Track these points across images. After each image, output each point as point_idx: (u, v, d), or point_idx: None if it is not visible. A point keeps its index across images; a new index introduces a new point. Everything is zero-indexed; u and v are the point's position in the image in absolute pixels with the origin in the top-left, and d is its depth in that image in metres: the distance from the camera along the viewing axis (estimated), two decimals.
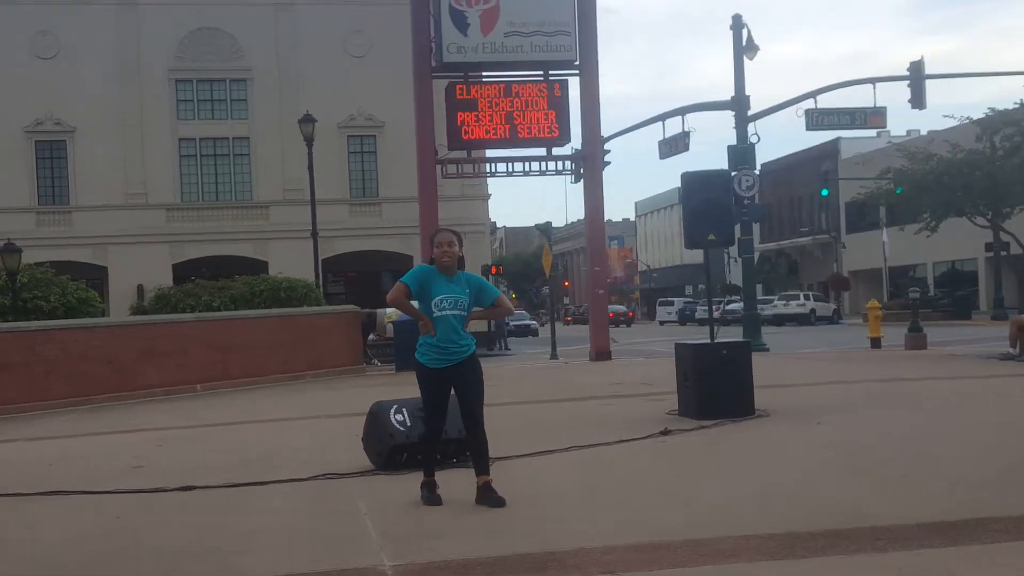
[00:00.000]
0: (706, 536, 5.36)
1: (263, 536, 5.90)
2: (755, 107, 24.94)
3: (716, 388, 10.26)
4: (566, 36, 22.63)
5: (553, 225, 34.09)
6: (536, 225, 37.48)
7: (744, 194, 23.46)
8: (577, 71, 23.13)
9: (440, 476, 6.69)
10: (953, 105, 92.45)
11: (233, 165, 39.07)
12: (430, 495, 6.53)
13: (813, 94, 24.66)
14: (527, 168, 23.41)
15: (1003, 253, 42.65)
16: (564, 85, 22.98)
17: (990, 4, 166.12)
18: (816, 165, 60.77)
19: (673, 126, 26.13)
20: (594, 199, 23.60)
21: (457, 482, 6.75)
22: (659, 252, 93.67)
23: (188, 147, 38.67)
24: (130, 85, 37.54)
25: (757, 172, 25.01)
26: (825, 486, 6.66)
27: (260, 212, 38.71)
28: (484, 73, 23.48)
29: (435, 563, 5.08)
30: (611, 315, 28.51)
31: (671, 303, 67.05)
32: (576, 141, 23.65)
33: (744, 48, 24.56)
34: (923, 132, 54.17)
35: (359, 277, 40.15)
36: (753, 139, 24.39)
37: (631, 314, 72.94)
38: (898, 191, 43.40)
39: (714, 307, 17.32)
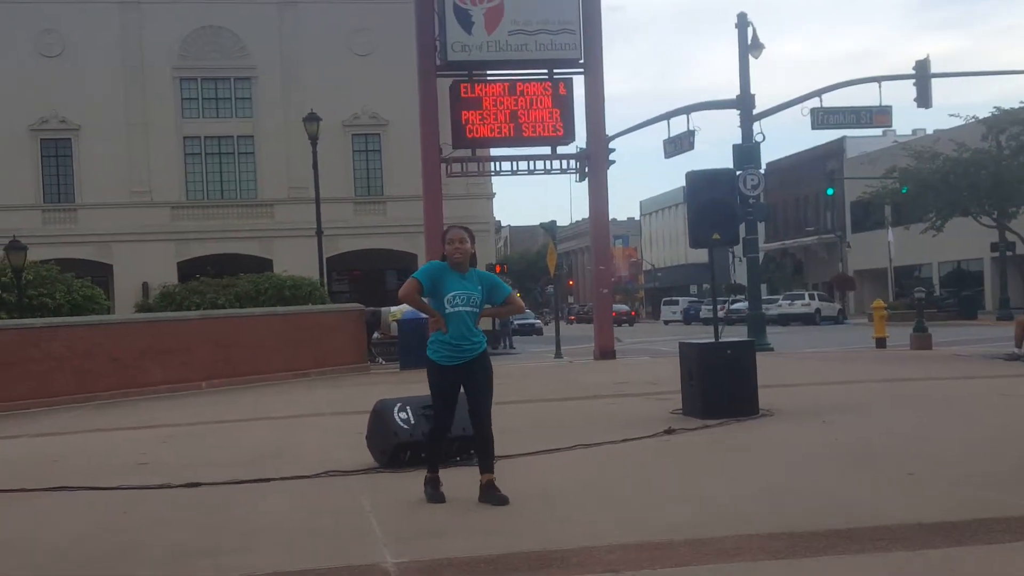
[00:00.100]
0: (709, 535, 5.35)
1: (267, 533, 5.92)
2: (760, 106, 24.92)
3: (720, 387, 10.26)
4: (570, 34, 22.60)
5: (558, 224, 34.03)
6: (541, 224, 37.36)
7: (749, 193, 23.43)
8: (582, 69, 23.11)
9: (443, 474, 6.69)
10: (958, 104, 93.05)
11: (238, 163, 39.11)
12: (434, 492, 6.53)
13: (818, 93, 24.56)
14: (531, 167, 23.37)
15: (1009, 253, 42.59)
16: (569, 84, 22.94)
17: (990, 4, 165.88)
18: (821, 164, 60.58)
19: (678, 125, 25.99)
20: (599, 198, 23.59)
21: (460, 480, 6.75)
22: (664, 251, 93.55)
23: (193, 145, 38.73)
24: (134, 83, 37.62)
25: (762, 171, 24.99)
26: (828, 485, 6.65)
27: (265, 210, 38.77)
28: (488, 71, 23.42)
29: (438, 560, 5.08)
30: (613, 314, 28.50)
31: (676, 302, 66.99)
32: (581, 140, 23.68)
33: (749, 46, 24.50)
34: (929, 131, 54.12)
35: (363, 275, 40.26)
36: (758, 138, 24.32)
37: (633, 313, 72.96)
38: (904, 190, 43.27)
39: (719, 306, 17.27)
